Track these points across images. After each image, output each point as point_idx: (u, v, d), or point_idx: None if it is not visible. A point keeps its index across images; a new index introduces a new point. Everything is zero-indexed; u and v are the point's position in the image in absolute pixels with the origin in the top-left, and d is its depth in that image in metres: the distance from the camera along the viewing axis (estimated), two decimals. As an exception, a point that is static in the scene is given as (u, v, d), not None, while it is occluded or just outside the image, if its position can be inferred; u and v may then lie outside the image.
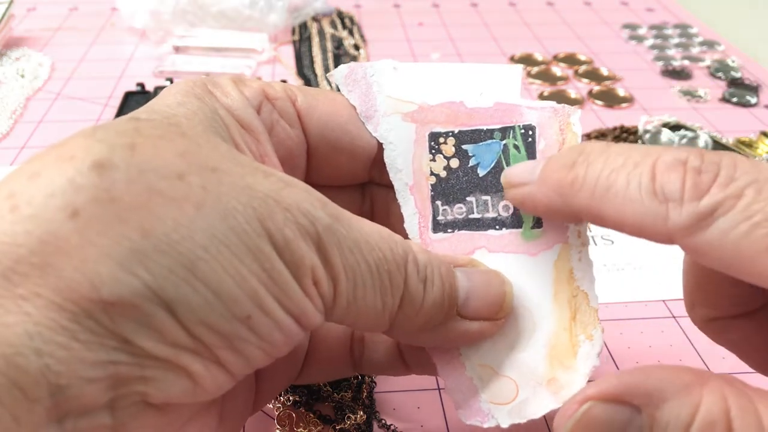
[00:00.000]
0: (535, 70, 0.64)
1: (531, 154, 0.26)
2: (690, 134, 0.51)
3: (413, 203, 0.26)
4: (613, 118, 0.56)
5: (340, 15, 0.74)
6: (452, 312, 0.24)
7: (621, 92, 0.60)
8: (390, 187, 0.27)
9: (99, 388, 0.17)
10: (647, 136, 0.51)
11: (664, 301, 0.38)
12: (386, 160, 0.27)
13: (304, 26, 0.71)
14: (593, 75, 0.63)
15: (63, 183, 0.17)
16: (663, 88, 0.62)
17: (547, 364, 0.25)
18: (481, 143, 0.27)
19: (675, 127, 0.53)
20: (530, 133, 0.26)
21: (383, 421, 0.30)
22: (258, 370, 0.21)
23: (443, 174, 0.27)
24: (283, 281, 0.19)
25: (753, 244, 0.18)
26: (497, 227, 0.26)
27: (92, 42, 0.69)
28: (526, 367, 0.25)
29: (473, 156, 0.27)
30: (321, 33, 0.70)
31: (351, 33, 0.70)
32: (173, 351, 0.18)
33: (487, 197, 0.26)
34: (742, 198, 0.19)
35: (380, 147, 0.27)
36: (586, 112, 0.58)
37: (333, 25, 0.72)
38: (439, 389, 0.32)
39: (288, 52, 0.67)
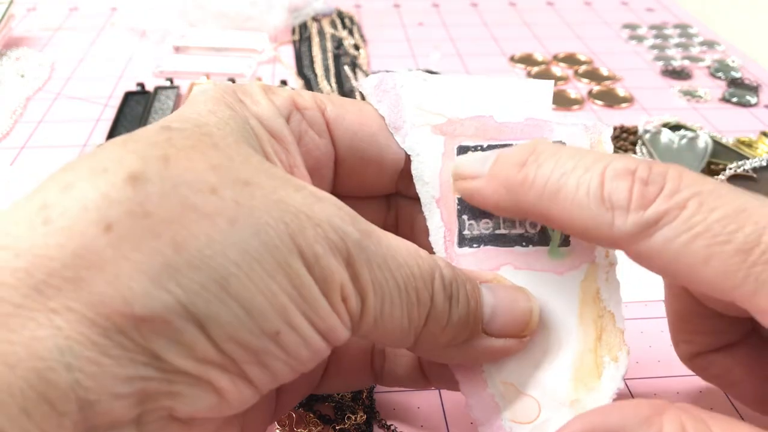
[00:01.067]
0: (535, 70, 0.64)
1: None
2: (690, 134, 0.51)
3: (439, 216, 0.26)
4: (613, 118, 0.56)
5: (340, 15, 0.74)
6: (477, 329, 0.24)
7: (621, 92, 0.60)
8: (416, 199, 0.27)
9: (127, 404, 0.17)
10: (647, 136, 0.51)
11: (664, 301, 0.38)
12: (413, 172, 0.26)
13: (304, 26, 0.71)
14: (593, 75, 0.63)
15: (97, 196, 0.17)
16: (663, 88, 0.62)
17: (571, 385, 0.24)
18: None
19: (675, 127, 0.53)
20: None
21: (383, 421, 0.30)
22: None
23: None
24: (312, 298, 0.19)
25: (693, 253, 0.19)
26: (524, 244, 0.26)
27: (92, 42, 0.69)
28: (550, 387, 0.25)
29: None
30: (321, 33, 0.70)
31: (351, 33, 0.70)
32: (202, 366, 0.18)
33: None
34: (685, 209, 0.20)
35: (408, 159, 0.26)
36: (586, 112, 0.58)
37: (333, 25, 0.72)
38: (439, 389, 0.32)
39: (288, 52, 0.67)
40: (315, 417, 0.30)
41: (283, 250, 0.18)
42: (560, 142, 0.26)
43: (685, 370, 0.28)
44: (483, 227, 0.26)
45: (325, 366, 0.27)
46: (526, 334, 0.24)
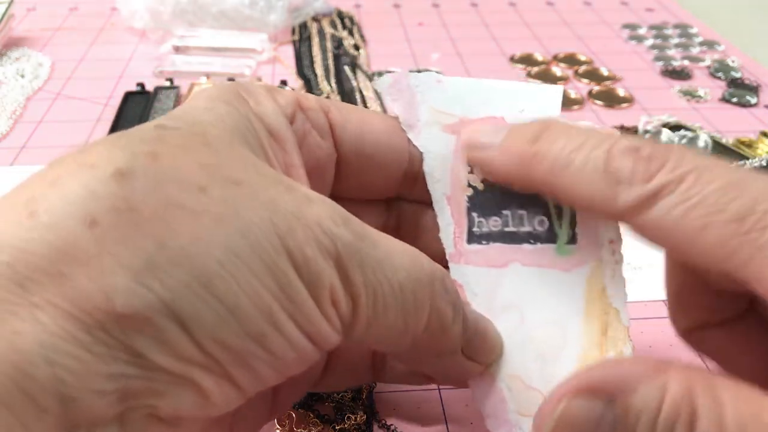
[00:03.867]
0: (535, 70, 0.64)
1: None
2: (690, 134, 0.51)
3: (449, 213, 0.27)
4: (613, 118, 0.56)
5: (340, 15, 0.74)
6: (460, 344, 0.24)
7: (621, 92, 0.60)
8: (419, 203, 0.27)
9: (109, 401, 0.17)
10: (647, 136, 0.51)
11: (664, 301, 0.38)
12: (425, 168, 0.27)
13: (304, 26, 0.71)
14: (593, 75, 0.63)
15: (82, 191, 0.17)
16: (663, 88, 0.62)
17: None
18: None
19: (675, 127, 0.53)
20: None
21: (383, 421, 0.30)
22: None
23: (480, 186, 0.27)
24: (299, 300, 0.19)
25: (690, 223, 0.20)
26: (531, 241, 0.26)
27: (92, 42, 0.69)
28: (555, 380, 0.25)
29: None
30: (321, 33, 0.70)
31: (351, 33, 0.70)
32: (184, 366, 0.17)
33: (523, 211, 0.26)
34: (683, 182, 0.21)
35: (411, 162, 0.27)
36: (586, 112, 0.58)
37: (333, 25, 0.72)
38: (439, 389, 0.32)
39: (288, 52, 0.67)
40: (315, 417, 0.30)
41: (270, 251, 0.18)
42: None
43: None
44: (492, 224, 0.26)
45: (325, 364, 0.27)
46: (490, 363, 0.25)
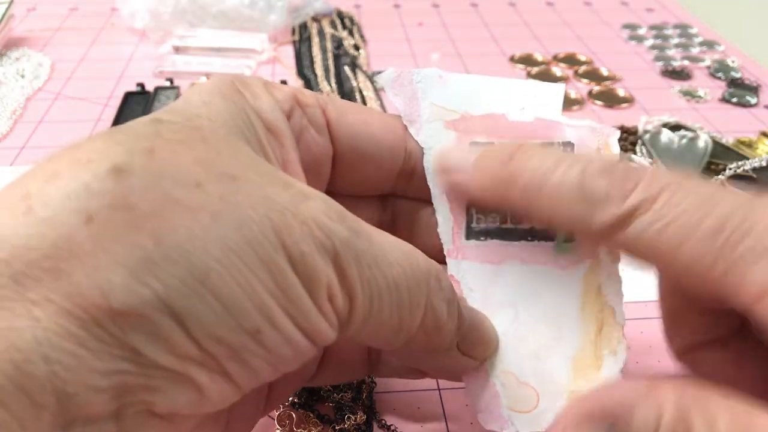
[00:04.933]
0: (535, 70, 0.64)
1: None
2: (690, 134, 0.51)
3: (448, 209, 0.27)
4: (613, 119, 0.56)
5: (340, 15, 0.74)
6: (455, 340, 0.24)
7: (621, 92, 0.60)
8: (415, 200, 0.27)
9: (106, 398, 0.17)
10: (647, 136, 0.51)
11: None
12: (425, 164, 0.27)
13: (304, 26, 0.71)
14: (593, 75, 0.63)
15: (79, 187, 0.17)
16: (663, 88, 0.62)
17: (570, 376, 0.25)
18: None
19: (675, 127, 0.53)
20: (569, 149, 0.27)
21: (383, 421, 0.30)
22: None
23: None
24: (295, 296, 0.19)
25: (667, 240, 0.21)
26: (529, 238, 0.26)
27: (92, 42, 0.69)
28: (549, 377, 0.25)
29: None
30: (321, 33, 0.70)
31: (351, 33, 0.70)
32: (180, 362, 0.17)
33: None
34: (657, 201, 0.21)
35: (407, 158, 0.27)
36: (586, 112, 0.58)
37: (333, 25, 0.72)
38: (439, 389, 0.32)
39: (288, 52, 0.67)
40: (315, 417, 0.30)
41: (267, 247, 0.18)
42: (569, 142, 0.27)
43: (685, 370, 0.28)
44: (490, 221, 0.27)
45: (320, 359, 0.27)
46: (486, 358, 0.26)
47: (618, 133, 0.27)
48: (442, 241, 0.27)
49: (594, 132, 0.27)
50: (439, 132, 0.27)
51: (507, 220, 0.26)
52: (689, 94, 0.60)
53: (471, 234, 0.27)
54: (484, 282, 0.26)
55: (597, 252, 0.26)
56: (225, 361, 0.18)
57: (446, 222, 0.27)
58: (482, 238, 0.26)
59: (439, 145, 0.27)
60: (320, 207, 0.20)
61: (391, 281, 0.21)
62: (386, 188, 0.28)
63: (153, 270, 0.17)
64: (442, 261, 0.26)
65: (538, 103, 0.27)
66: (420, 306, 0.22)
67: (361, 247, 0.20)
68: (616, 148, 0.27)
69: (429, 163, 0.27)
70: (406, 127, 0.27)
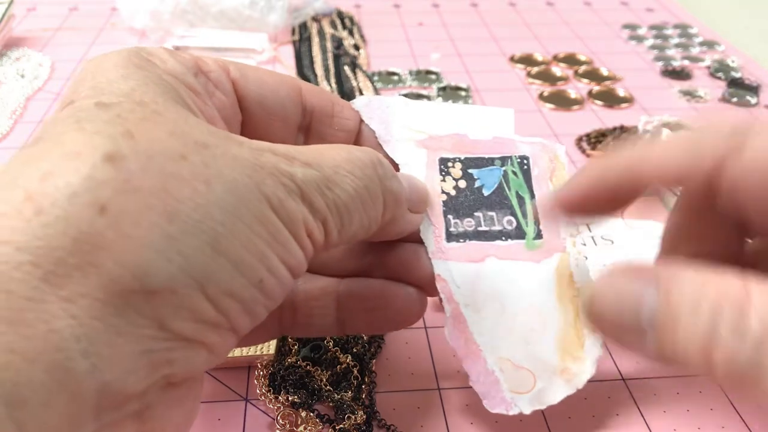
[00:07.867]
0: (535, 70, 0.64)
1: (527, 179, 0.31)
2: (690, 134, 0.51)
3: (428, 217, 0.29)
4: (613, 119, 0.56)
5: (340, 15, 0.74)
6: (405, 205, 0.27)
7: (621, 92, 0.60)
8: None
9: (138, 378, 0.17)
10: (647, 136, 0.51)
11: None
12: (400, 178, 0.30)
13: (304, 26, 0.71)
14: (593, 75, 0.63)
15: (83, 180, 0.17)
16: (663, 88, 0.62)
17: (558, 356, 0.28)
18: (484, 168, 0.31)
19: (675, 127, 0.53)
20: (525, 161, 0.31)
21: (383, 421, 0.30)
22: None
23: (453, 192, 0.30)
24: (284, 240, 0.20)
25: None
26: (503, 238, 0.30)
27: (92, 42, 0.69)
28: (540, 359, 0.28)
29: (478, 179, 0.31)
30: (321, 33, 0.70)
31: (351, 33, 0.70)
32: (199, 327, 0.18)
33: (493, 213, 0.30)
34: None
35: (303, 114, 0.28)
36: (586, 112, 0.58)
37: (333, 25, 0.72)
38: (439, 389, 0.32)
39: (288, 52, 0.67)
40: (315, 417, 0.30)
41: (255, 203, 0.19)
42: (524, 156, 0.31)
43: (685, 370, 0.28)
44: (467, 225, 0.30)
45: (292, 310, 0.28)
46: (425, 210, 0.29)
47: (563, 147, 0.32)
48: (425, 245, 0.29)
49: (544, 147, 0.31)
50: (411, 150, 0.30)
51: (481, 224, 0.30)
52: (689, 94, 0.60)
53: (451, 237, 0.29)
54: (469, 278, 0.29)
55: (563, 246, 0.29)
56: (237, 316, 0.19)
57: (427, 228, 0.29)
58: (461, 240, 0.29)
59: (412, 161, 0.30)
60: (273, 156, 0.21)
61: (350, 191, 0.22)
62: (292, 141, 0.29)
63: (174, 245, 0.18)
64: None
65: (493, 124, 0.32)
66: (379, 195, 0.24)
67: (316, 177, 0.21)
68: (564, 158, 0.31)
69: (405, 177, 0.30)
70: (300, 85, 0.28)
